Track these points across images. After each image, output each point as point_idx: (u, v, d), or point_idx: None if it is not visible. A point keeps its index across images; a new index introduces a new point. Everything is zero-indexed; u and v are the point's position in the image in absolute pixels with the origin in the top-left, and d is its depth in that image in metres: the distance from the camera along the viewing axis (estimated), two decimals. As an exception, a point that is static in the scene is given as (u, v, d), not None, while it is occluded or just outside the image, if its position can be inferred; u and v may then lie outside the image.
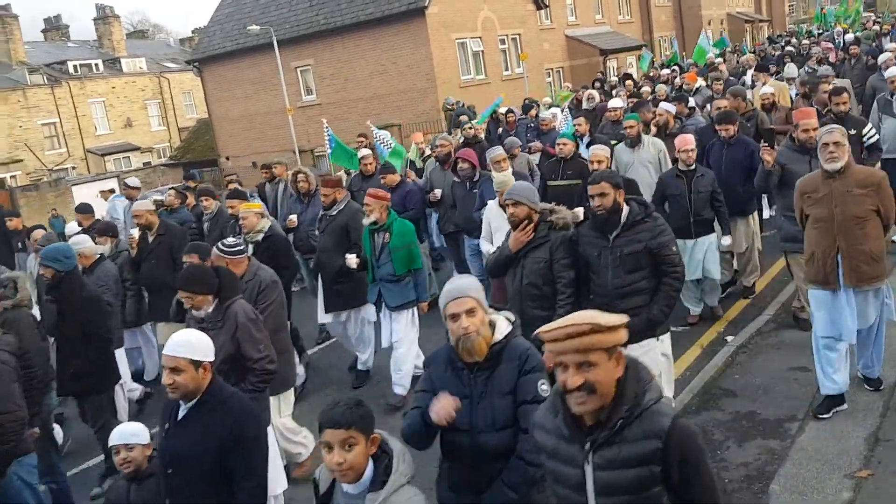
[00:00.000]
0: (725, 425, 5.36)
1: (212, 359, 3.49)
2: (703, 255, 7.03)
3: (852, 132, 7.12)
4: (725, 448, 5.05)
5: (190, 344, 3.42)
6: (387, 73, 24.93)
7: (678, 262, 4.72)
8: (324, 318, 7.30)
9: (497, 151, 7.63)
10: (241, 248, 5.52)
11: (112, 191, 13.02)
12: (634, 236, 4.63)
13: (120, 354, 6.84)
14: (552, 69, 32.65)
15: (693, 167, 6.97)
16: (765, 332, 6.85)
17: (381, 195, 6.48)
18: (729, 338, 6.85)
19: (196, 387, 3.40)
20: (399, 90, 24.76)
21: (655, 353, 4.76)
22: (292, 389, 5.71)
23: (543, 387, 3.10)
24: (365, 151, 10.06)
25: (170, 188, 10.76)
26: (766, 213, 9.22)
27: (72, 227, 9.32)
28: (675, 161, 8.11)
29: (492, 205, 6.80)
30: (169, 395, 3.46)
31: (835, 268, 4.95)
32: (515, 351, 3.19)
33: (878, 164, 7.34)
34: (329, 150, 11.95)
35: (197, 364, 3.39)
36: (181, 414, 3.49)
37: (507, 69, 27.83)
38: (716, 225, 7.14)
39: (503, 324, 3.22)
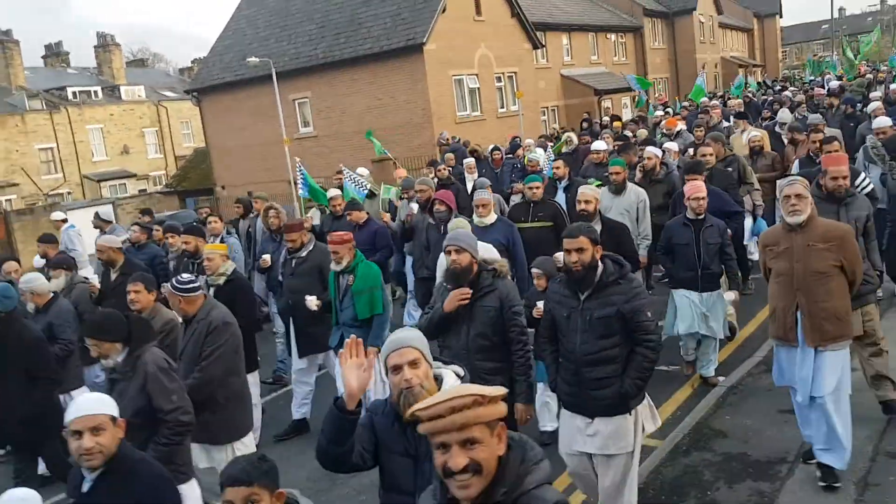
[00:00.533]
0: (716, 466, 5.38)
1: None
2: (707, 309, 6.67)
3: None
4: (716, 489, 5.07)
5: (104, 400, 3.20)
6: (383, 107, 25.16)
7: (653, 329, 4.27)
8: (299, 363, 7.07)
9: (482, 195, 7.34)
10: (196, 285, 5.35)
11: (65, 220, 12.32)
12: (607, 298, 4.18)
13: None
14: (547, 108, 33.02)
15: (703, 216, 6.62)
16: (755, 374, 6.86)
17: (346, 238, 6.30)
18: (720, 378, 6.86)
19: (115, 448, 3.13)
20: (395, 124, 24.94)
21: (626, 428, 4.30)
22: (249, 439, 5.49)
23: None
24: (334, 192, 9.77)
25: (133, 224, 10.28)
26: (755, 255, 9.28)
27: (37, 261, 8.92)
28: (669, 206, 8.13)
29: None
30: (87, 463, 3.10)
31: (794, 325, 4.73)
32: None
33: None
34: (302, 188, 11.82)
35: (114, 420, 3.15)
36: (86, 486, 3.16)
37: (502, 106, 28.13)
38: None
39: (451, 378, 2.99)
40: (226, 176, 29.52)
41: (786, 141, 11.10)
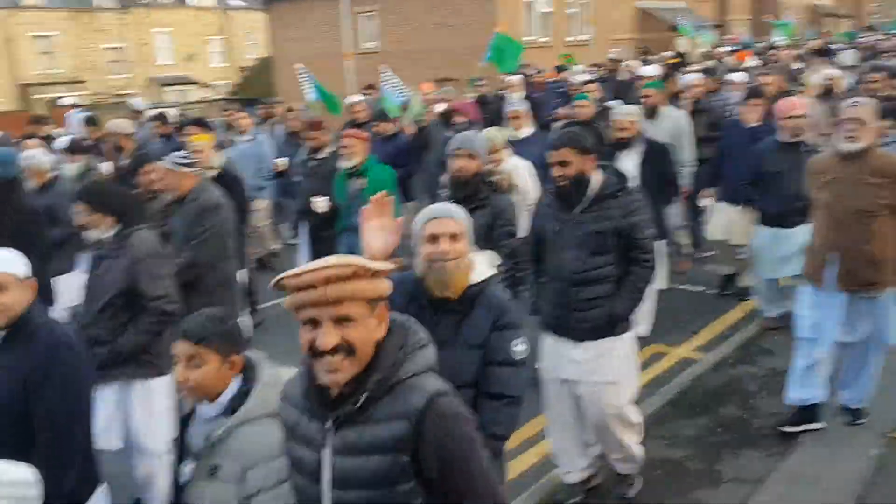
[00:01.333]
0: (760, 379, 5.45)
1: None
2: (798, 247, 5.62)
3: None
4: (759, 398, 5.06)
5: (9, 258, 2.91)
6: (451, 26, 24.68)
7: (651, 248, 3.83)
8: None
9: (514, 106, 6.80)
10: (192, 161, 5.12)
11: (74, 105, 11.83)
12: (603, 212, 3.74)
13: (67, 280, 5.93)
14: (621, 39, 31.96)
15: (801, 139, 5.63)
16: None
17: (363, 134, 5.97)
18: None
19: (21, 308, 2.86)
20: (462, 45, 24.46)
21: (612, 355, 3.84)
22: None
23: (518, 348, 2.70)
24: (355, 98, 9.12)
25: (152, 120, 9.92)
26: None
27: (61, 140, 8.36)
28: (713, 138, 7.49)
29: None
30: None
31: (824, 264, 4.29)
32: (493, 299, 2.74)
33: None
34: (310, 92, 11.11)
35: (21, 280, 2.89)
36: None
37: (572, 34, 27.34)
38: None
39: (485, 266, 2.78)
40: (288, 87, 29.57)
41: (855, 84, 10.51)
